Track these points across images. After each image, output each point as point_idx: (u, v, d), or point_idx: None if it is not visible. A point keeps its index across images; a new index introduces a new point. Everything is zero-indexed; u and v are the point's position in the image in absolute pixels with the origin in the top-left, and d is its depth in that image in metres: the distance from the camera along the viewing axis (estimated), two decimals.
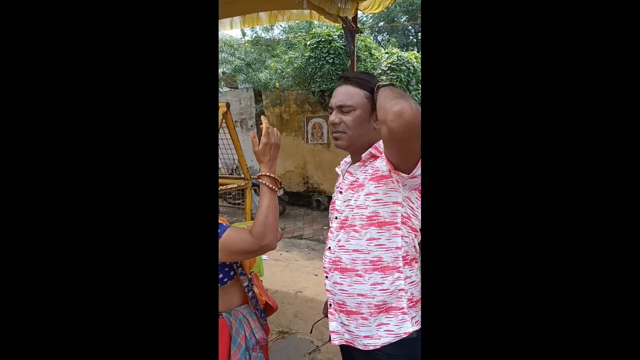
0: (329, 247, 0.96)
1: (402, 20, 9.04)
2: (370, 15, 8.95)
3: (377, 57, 4.95)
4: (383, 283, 0.86)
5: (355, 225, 0.89)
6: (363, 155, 0.91)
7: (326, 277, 0.96)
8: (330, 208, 1.03)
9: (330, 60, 4.80)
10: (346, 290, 0.90)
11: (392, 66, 4.63)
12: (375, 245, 0.86)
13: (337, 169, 1.08)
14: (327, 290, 0.97)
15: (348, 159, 1.05)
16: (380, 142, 0.89)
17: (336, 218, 0.96)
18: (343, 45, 4.77)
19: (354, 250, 0.89)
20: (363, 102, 0.89)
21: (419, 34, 9.45)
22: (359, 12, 3.67)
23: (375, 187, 0.84)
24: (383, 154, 0.82)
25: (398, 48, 5.41)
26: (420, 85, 4.51)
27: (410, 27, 9.37)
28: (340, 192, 0.97)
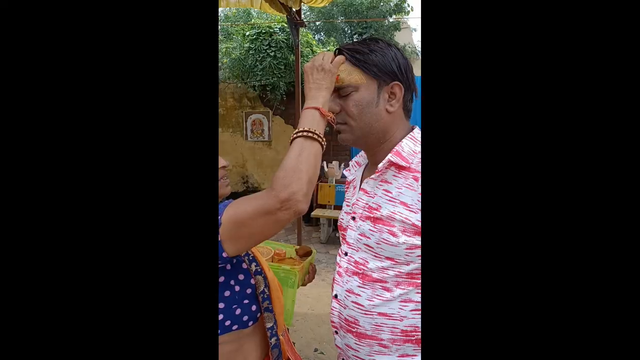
0: (336, 295, 0.71)
1: (339, 21, 9.20)
2: (309, 13, 8.92)
3: None
4: (415, 355, 0.64)
5: (385, 282, 0.63)
6: (380, 165, 0.65)
7: (335, 332, 0.72)
8: (339, 229, 0.78)
9: (272, 54, 4.59)
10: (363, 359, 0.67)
11: None
12: (412, 310, 0.63)
13: (345, 172, 0.81)
14: (338, 347, 0.72)
15: (360, 158, 0.79)
16: (404, 146, 0.66)
17: (346, 255, 0.70)
18: (285, 38, 4.61)
19: (380, 314, 0.64)
20: (365, 77, 0.64)
21: (355, 35, 9.75)
22: (303, 7, 3.56)
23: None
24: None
25: None
26: None
27: (347, 28, 9.57)
28: (353, 218, 0.70)
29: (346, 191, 0.81)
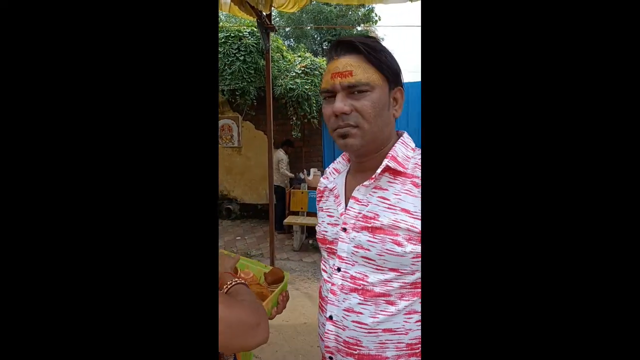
0: (330, 317, 0.63)
1: (309, 28, 9.26)
2: (279, 19, 8.91)
3: (289, 60, 4.86)
4: None
5: (389, 295, 0.59)
6: (378, 170, 0.60)
7: (330, 358, 0.64)
8: (321, 243, 0.70)
9: (241, 58, 4.49)
10: None
11: (306, 70, 4.60)
12: (417, 321, 0.59)
13: (324, 181, 0.73)
14: None
15: (339, 165, 0.73)
16: (398, 150, 0.63)
17: (339, 270, 0.63)
18: (255, 43, 4.53)
19: (385, 331, 0.59)
20: (380, 78, 0.59)
21: (324, 42, 9.84)
22: (273, 13, 3.52)
23: None
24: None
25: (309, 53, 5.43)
26: None
27: (316, 35, 9.64)
28: (344, 230, 0.63)
29: (319, 200, 0.74)
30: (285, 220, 4.06)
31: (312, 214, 3.98)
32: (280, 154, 4.41)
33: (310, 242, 4.12)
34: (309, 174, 4.36)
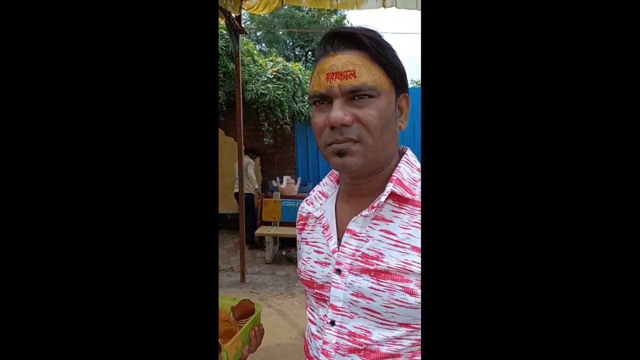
0: None
1: (281, 32, 9.17)
2: (250, 22, 8.75)
3: (261, 64, 4.72)
4: None
5: (398, 356, 0.46)
6: (383, 197, 0.48)
7: None
8: (307, 286, 0.55)
9: None
10: None
11: (278, 75, 4.48)
12: None
13: (307, 207, 0.58)
14: None
15: (326, 187, 0.58)
16: (403, 172, 0.50)
17: (333, 324, 0.50)
18: (224, 46, 4.35)
19: None
20: (388, 82, 0.47)
21: (297, 47, 9.76)
22: (243, 16, 3.38)
23: None
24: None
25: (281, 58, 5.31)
26: (305, 97, 4.50)
27: (288, 40, 9.56)
28: (339, 272, 0.50)
29: (301, 229, 0.60)
30: (257, 231, 3.87)
31: (285, 223, 3.83)
32: (248, 158, 4.26)
33: (284, 253, 3.96)
34: (282, 182, 4.21)
